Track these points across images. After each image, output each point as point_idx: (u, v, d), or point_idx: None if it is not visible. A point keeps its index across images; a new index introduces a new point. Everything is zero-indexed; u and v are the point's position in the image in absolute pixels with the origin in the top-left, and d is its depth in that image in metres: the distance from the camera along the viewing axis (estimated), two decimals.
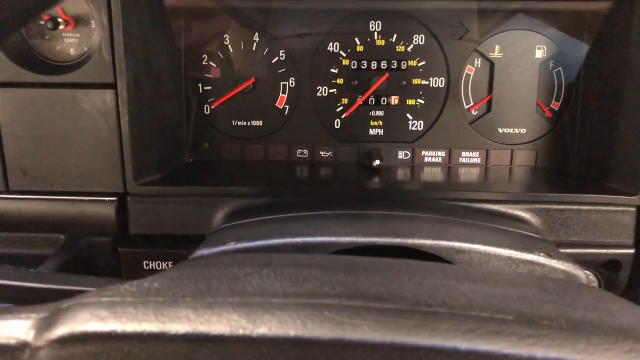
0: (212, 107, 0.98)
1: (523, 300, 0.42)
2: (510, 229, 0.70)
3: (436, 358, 0.35)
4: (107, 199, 0.82)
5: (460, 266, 0.57)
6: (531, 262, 0.57)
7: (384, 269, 0.47)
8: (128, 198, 0.83)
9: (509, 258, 0.57)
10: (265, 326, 0.36)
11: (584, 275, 0.59)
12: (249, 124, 0.99)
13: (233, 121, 0.99)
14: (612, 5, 0.85)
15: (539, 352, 0.35)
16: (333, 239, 0.59)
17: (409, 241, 0.58)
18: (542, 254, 0.59)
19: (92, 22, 0.81)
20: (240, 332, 0.36)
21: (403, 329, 0.37)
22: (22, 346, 0.35)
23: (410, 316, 0.38)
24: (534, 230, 0.78)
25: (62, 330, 0.35)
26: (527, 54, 0.94)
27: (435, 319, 0.38)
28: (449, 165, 0.98)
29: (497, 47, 0.94)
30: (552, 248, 0.64)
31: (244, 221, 0.73)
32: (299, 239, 0.60)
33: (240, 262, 0.48)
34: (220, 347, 0.36)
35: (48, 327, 0.35)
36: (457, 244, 0.58)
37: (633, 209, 0.80)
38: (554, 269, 0.58)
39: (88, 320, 0.35)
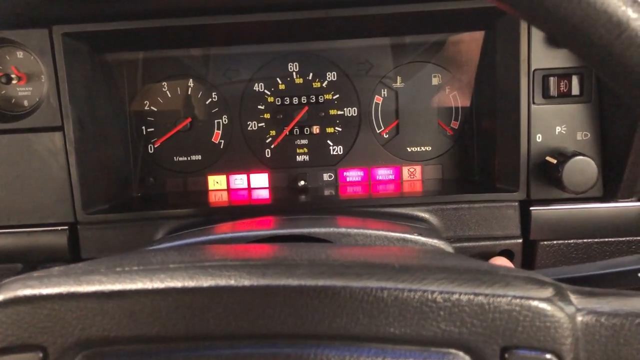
0: (155, 145, 1.10)
1: (372, 256, 0.53)
2: (401, 222, 0.82)
3: (292, 295, 0.46)
4: (59, 228, 0.92)
5: (337, 243, 0.68)
6: (404, 240, 0.69)
7: (269, 247, 0.58)
8: (78, 226, 0.93)
9: (386, 237, 0.69)
10: (159, 281, 0.46)
11: (452, 250, 0.71)
12: (189, 158, 1.11)
13: (175, 157, 1.11)
14: (484, 37, 1.01)
15: (372, 284, 0.46)
16: (242, 234, 0.70)
17: (305, 230, 0.70)
18: (415, 234, 0.70)
19: (42, 77, 0.93)
20: (139, 286, 0.46)
21: (267, 275, 0.47)
22: None
23: (275, 267, 0.48)
24: (433, 228, 0.90)
25: None
26: (424, 82, 1.08)
27: (296, 268, 0.48)
28: (368, 183, 1.10)
29: (399, 78, 1.08)
30: (427, 232, 0.76)
31: (175, 234, 0.84)
32: (215, 236, 0.71)
33: (154, 250, 0.59)
34: (123, 300, 0.46)
35: None
36: (343, 230, 0.70)
37: (516, 204, 0.92)
38: (424, 244, 0.69)
39: (19, 288, 0.46)
